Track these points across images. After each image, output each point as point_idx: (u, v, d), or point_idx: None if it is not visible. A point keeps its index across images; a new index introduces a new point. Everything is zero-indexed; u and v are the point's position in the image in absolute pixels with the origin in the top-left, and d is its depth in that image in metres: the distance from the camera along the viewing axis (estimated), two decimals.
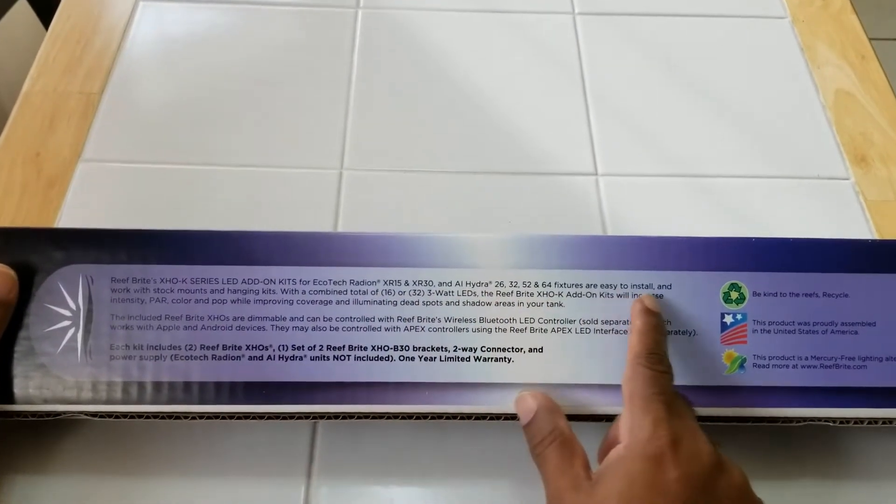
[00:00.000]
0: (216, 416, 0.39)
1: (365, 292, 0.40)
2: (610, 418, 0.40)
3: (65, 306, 0.39)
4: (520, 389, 0.39)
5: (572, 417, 0.40)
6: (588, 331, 0.40)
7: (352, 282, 0.40)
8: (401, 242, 0.41)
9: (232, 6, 0.63)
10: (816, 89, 0.60)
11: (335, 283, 0.40)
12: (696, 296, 0.41)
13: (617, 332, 0.40)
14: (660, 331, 0.39)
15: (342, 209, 0.51)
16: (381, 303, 0.40)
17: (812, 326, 0.41)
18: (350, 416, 0.40)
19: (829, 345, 0.40)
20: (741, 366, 0.40)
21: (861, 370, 0.40)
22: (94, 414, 0.39)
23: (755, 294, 0.41)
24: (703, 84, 0.60)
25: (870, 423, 0.40)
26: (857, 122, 0.58)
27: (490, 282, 0.41)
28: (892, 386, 0.40)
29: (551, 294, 0.41)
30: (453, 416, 0.40)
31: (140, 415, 0.39)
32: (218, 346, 0.39)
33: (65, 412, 0.39)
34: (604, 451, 0.37)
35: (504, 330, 0.40)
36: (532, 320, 0.40)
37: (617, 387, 0.39)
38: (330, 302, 0.40)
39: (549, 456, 0.36)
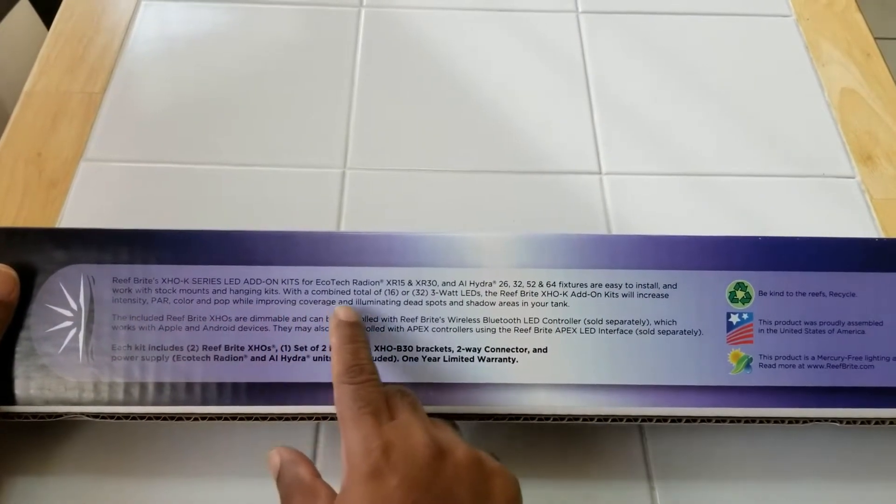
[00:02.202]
0: (218, 417, 0.39)
1: (368, 292, 0.40)
2: (616, 419, 0.39)
3: (66, 307, 0.39)
4: (524, 389, 0.39)
5: (576, 419, 0.39)
6: (593, 331, 0.40)
7: (355, 282, 0.40)
8: (404, 242, 0.41)
9: (234, 5, 0.63)
10: (821, 87, 0.60)
11: (338, 282, 0.40)
12: (701, 295, 0.40)
13: (622, 332, 0.40)
14: (356, 340, 0.37)
15: (345, 208, 0.51)
16: (384, 303, 0.40)
17: (819, 326, 0.40)
18: None
19: (836, 344, 0.40)
20: (747, 365, 0.40)
21: (868, 370, 0.40)
22: (96, 415, 0.39)
23: (761, 293, 0.41)
24: (707, 82, 0.60)
25: (877, 422, 0.40)
26: (863, 120, 0.58)
27: (494, 281, 0.40)
28: None
29: (556, 294, 0.40)
30: (456, 417, 0.39)
31: (142, 416, 0.39)
32: (220, 346, 0.39)
33: (66, 413, 0.39)
34: None
35: (508, 330, 0.40)
36: (536, 320, 0.40)
37: (622, 387, 0.39)
38: (333, 302, 0.40)
39: None
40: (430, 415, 0.37)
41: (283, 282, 0.40)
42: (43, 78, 0.57)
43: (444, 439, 0.34)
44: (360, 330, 0.38)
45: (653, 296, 0.40)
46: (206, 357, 0.39)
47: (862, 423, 0.40)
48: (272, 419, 0.39)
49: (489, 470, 0.34)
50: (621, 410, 0.39)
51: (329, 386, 0.39)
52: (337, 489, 0.40)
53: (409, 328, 0.40)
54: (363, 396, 0.35)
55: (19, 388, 0.38)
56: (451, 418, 0.39)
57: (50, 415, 0.39)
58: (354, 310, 0.38)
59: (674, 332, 0.40)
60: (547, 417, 0.40)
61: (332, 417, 0.39)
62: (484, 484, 0.33)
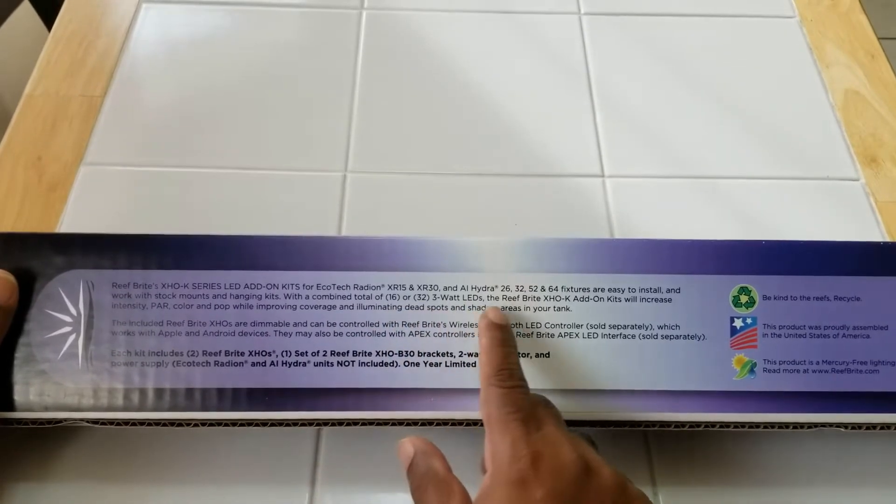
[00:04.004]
0: (219, 423, 0.39)
1: (369, 297, 0.40)
2: (619, 424, 0.39)
3: (65, 312, 0.39)
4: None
5: (580, 424, 0.39)
6: (595, 335, 0.40)
7: (356, 286, 0.40)
8: (405, 246, 0.41)
9: (235, 8, 0.63)
10: (825, 89, 0.59)
11: (339, 287, 0.40)
12: (705, 299, 0.40)
13: (625, 336, 0.40)
14: (507, 344, 0.37)
15: (346, 212, 0.51)
16: (385, 307, 0.40)
17: (823, 330, 0.40)
18: (354, 422, 0.39)
19: (841, 349, 0.40)
20: (751, 370, 0.39)
21: (873, 374, 0.40)
22: (96, 421, 0.39)
23: (765, 297, 0.40)
24: (710, 84, 0.59)
25: (882, 428, 0.40)
26: (867, 122, 0.57)
27: (496, 286, 0.40)
28: None
29: (558, 298, 0.40)
30: (459, 423, 0.39)
31: (142, 422, 0.39)
32: (220, 352, 0.39)
33: (66, 419, 0.38)
34: (483, 472, 0.36)
35: None
36: (538, 325, 0.40)
37: (625, 392, 0.39)
38: (334, 307, 0.40)
39: (427, 499, 0.34)
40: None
41: (283, 287, 0.40)
42: (43, 81, 0.57)
43: (590, 458, 0.34)
44: (511, 334, 0.38)
45: (656, 300, 0.40)
46: (207, 362, 0.39)
47: (867, 428, 0.40)
48: (273, 425, 0.39)
49: (632, 495, 0.33)
50: (624, 416, 0.39)
51: (330, 392, 0.39)
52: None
53: (411, 333, 0.40)
54: (513, 401, 0.34)
55: (18, 395, 0.38)
56: (453, 424, 0.39)
57: (49, 421, 0.39)
58: (504, 313, 0.39)
59: (677, 337, 0.40)
60: None
61: (334, 423, 0.39)
62: None
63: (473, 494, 0.34)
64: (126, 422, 0.39)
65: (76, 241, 0.40)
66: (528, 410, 0.35)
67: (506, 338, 0.37)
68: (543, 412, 0.35)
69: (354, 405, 0.39)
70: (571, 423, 0.39)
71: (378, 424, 0.39)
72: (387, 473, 0.41)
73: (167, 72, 0.58)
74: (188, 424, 0.39)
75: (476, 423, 0.39)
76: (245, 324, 0.39)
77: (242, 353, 0.39)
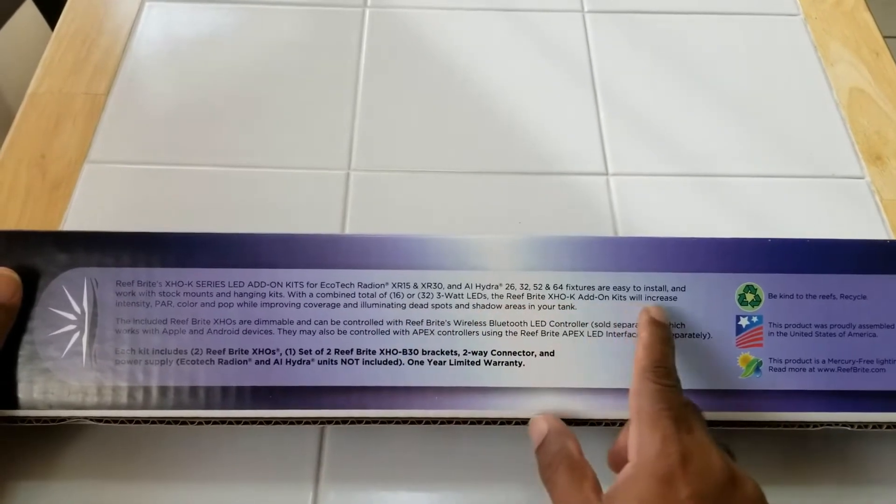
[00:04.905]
0: (223, 420, 0.39)
1: (373, 295, 0.40)
2: (624, 423, 0.39)
3: (69, 310, 0.39)
4: (531, 393, 0.39)
5: (584, 423, 0.39)
6: (600, 334, 0.39)
7: (360, 284, 0.40)
8: (409, 244, 0.41)
9: (238, 6, 0.62)
10: (830, 87, 0.59)
11: (343, 285, 0.40)
12: (710, 298, 0.40)
13: (630, 335, 0.39)
14: (667, 342, 0.37)
15: (349, 210, 0.51)
16: (389, 305, 0.40)
17: (829, 329, 0.40)
18: (358, 420, 0.39)
19: (847, 347, 0.40)
20: (757, 369, 0.39)
21: (879, 373, 0.40)
22: (100, 419, 0.39)
23: (771, 296, 0.40)
24: (714, 82, 0.59)
25: (889, 427, 0.40)
26: (872, 120, 0.57)
27: (500, 284, 0.40)
28: None
29: (563, 297, 0.40)
30: (463, 421, 0.39)
31: (146, 420, 0.39)
32: (224, 350, 0.39)
33: (69, 417, 0.38)
34: (612, 462, 0.37)
35: (515, 333, 0.39)
36: (543, 323, 0.40)
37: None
38: (338, 305, 0.40)
39: (558, 479, 0.35)
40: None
41: (287, 285, 0.40)
42: (47, 79, 0.57)
43: (735, 468, 0.34)
44: (671, 335, 0.38)
45: (661, 298, 0.40)
46: (210, 360, 0.39)
47: (874, 427, 0.40)
48: (277, 423, 0.39)
49: None
50: (629, 414, 0.39)
51: (334, 390, 0.39)
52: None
53: (415, 331, 0.39)
54: (668, 399, 0.35)
55: (22, 393, 0.38)
56: (458, 422, 0.39)
57: (53, 419, 0.39)
58: (667, 312, 0.39)
59: (682, 336, 0.40)
60: None
61: (338, 421, 0.39)
62: None
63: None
64: (130, 420, 0.39)
65: (80, 238, 0.40)
66: (680, 411, 0.35)
67: (667, 336, 0.38)
68: (693, 416, 0.35)
69: (358, 403, 0.39)
70: (572, 423, 0.39)
71: (382, 423, 0.39)
72: (391, 472, 0.41)
73: (171, 70, 0.58)
74: (192, 423, 0.39)
75: (479, 421, 0.39)
76: (249, 322, 0.39)
77: (246, 352, 0.39)
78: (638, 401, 0.35)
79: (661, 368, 0.36)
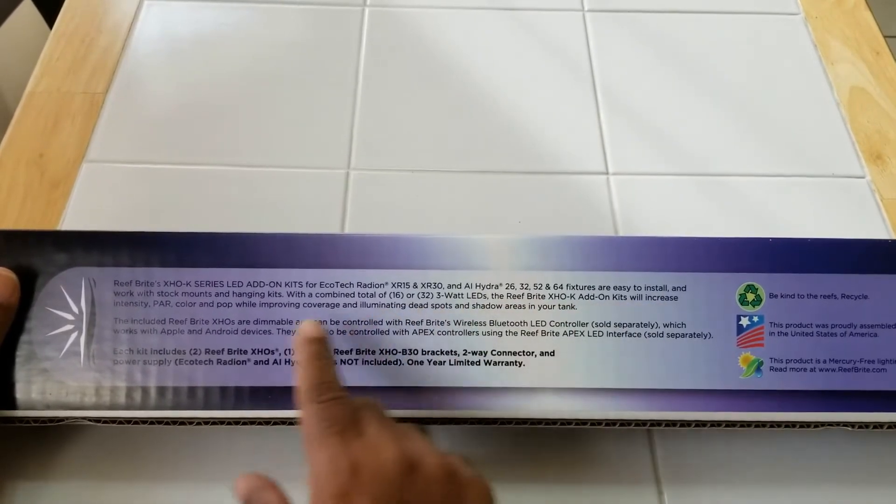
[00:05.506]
0: (221, 421, 0.39)
1: (372, 295, 0.40)
2: (624, 423, 0.39)
3: (67, 310, 0.39)
4: (531, 393, 0.38)
5: (584, 423, 0.39)
6: (601, 334, 0.39)
7: (359, 284, 0.40)
8: (409, 244, 0.41)
9: (237, 5, 0.62)
10: (830, 86, 0.59)
11: (342, 285, 0.40)
12: (711, 298, 0.40)
13: (630, 335, 0.39)
14: (323, 356, 0.36)
15: (349, 210, 0.50)
16: (389, 305, 0.40)
17: (830, 329, 0.40)
18: None
19: (848, 347, 0.40)
20: (758, 369, 0.39)
21: (880, 373, 0.39)
22: (98, 419, 0.38)
23: (772, 296, 0.40)
24: (715, 81, 0.59)
25: (889, 427, 0.40)
26: (872, 119, 0.57)
27: (500, 284, 0.40)
28: None
29: (563, 296, 0.40)
30: (463, 422, 0.39)
31: (144, 420, 0.39)
32: (223, 350, 0.39)
33: (68, 418, 0.38)
34: None
35: (515, 333, 0.39)
36: (543, 323, 0.39)
37: (630, 391, 0.38)
38: (337, 304, 0.40)
39: None
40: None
41: (286, 284, 0.40)
42: (45, 78, 0.57)
43: (415, 451, 0.33)
44: (327, 346, 0.37)
45: (662, 298, 0.40)
46: (209, 361, 0.39)
47: (874, 427, 0.39)
48: (275, 423, 0.39)
49: (462, 481, 0.33)
50: (629, 415, 0.39)
51: None
52: None
53: (415, 331, 0.39)
54: (330, 416, 0.34)
55: (20, 393, 0.38)
56: (457, 423, 0.39)
57: (51, 419, 0.38)
58: (320, 325, 0.37)
59: (683, 336, 0.39)
60: (554, 422, 0.39)
61: None
62: (457, 497, 0.33)
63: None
64: (128, 420, 0.39)
65: (78, 238, 0.40)
66: (347, 421, 0.34)
67: (321, 350, 0.36)
68: (366, 416, 0.35)
69: None
70: (576, 423, 0.39)
71: None
72: None
73: (169, 69, 0.58)
74: (190, 423, 0.39)
75: (479, 421, 0.39)
76: (248, 322, 0.39)
77: (245, 352, 0.39)
78: (305, 428, 0.34)
79: (321, 385, 0.35)
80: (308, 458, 0.33)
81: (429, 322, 0.39)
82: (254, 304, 0.39)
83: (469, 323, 0.39)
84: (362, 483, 0.32)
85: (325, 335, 0.37)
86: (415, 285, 0.40)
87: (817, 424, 0.39)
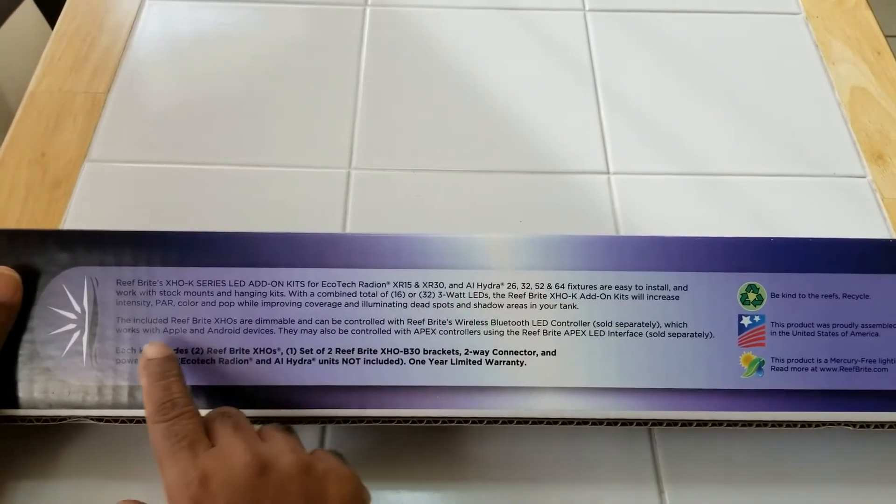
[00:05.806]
0: None
1: (374, 294, 0.40)
2: (626, 423, 0.39)
3: (69, 309, 0.39)
4: (532, 393, 0.39)
5: (585, 422, 0.39)
6: (602, 333, 0.39)
7: (361, 283, 0.40)
8: (410, 243, 0.41)
9: (239, 4, 0.62)
10: (832, 86, 0.59)
11: (344, 284, 0.40)
12: (712, 297, 0.40)
13: (632, 334, 0.39)
14: (166, 375, 0.36)
15: (350, 209, 0.50)
16: (390, 305, 0.40)
17: (832, 328, 0.40)
18: (359, 420, 0.39)
19: (849, 347, 0.40)
20: (759, 368, 0.39)
21: (882, 373, 0.39)
22: (100, 418, 0.39)
23: (773, 295, 0.40)
24: (716, 81, 0.59)
25: (891, 426, 0.40)
26: (874, 119, 0.57)
27: (502, 283, 0.40)
28: None
29: (564, 296, 0.40)
30: (464, 421, 0.39)
31: (146, 419, 0.38)
32: (225, 349, 0.39)
33: (70, 417, 0.38)
34: None
35: (516, 332, 0.39)
36: (545, 322, 0.39)
37: (632, 390, 0.38)
38: (339, 304, 0.40)
39: None
40: (264, 420, 0.38)
41: (288, 284, 0.40)
42: (47, 78, 0.57)
43: (269, 452, 0.34)
44: (172, 363, 0.37)
45: (663, 298, 0.40)
46: (211, 360, 0.39)
47: (876, 426, 0.40)
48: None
49: (320, 473, 0.34)
50: (631, 414, 0.39)
51: (335, 389, 0.39)
52: None
53: (417, 331, 0.39)
54: (177, 431, 0.34)
55: (23, 392, 0.38)
56: (459, 422, 0.39)
57: (53, 418, 0.38)
58: (164, 344, 0.37)
59: (684, 335, 0.39)
60: (555, 421, 0.39)
61: (340, 420, 0.39)
62: (316, 490, 0.33)
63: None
64: (130, 419, 0.39)
65: (80, 237, 0.40)
66: (196, 435, 0.34)
67: (165, 369, 0.36)
68: (217, 426, 0.35)
69: (359, 403, 0.38)
70: (577, 422, 0.39)
71: (383, 422, 0.39)
72: (391, 471, 0.41)
73: (171, 68, 0.58)
74: None
75: (481, 421, 0.39)
76: (250, 321, 0.39)
77: (247, 351, 0.39)
78: (155, 448, 0.34)
79: (166, 404, 0.35)
80: (162, 476, 0.33)
81: (430, 321, 0.39)
82: (256, 304, 0.39)
83: (471, 322, 0.39)
84: (213, 492, 0.32)
85: (170, 353, 0.37)
86: (416, 285, 0.40)
87: (818, 424, 0.39)
